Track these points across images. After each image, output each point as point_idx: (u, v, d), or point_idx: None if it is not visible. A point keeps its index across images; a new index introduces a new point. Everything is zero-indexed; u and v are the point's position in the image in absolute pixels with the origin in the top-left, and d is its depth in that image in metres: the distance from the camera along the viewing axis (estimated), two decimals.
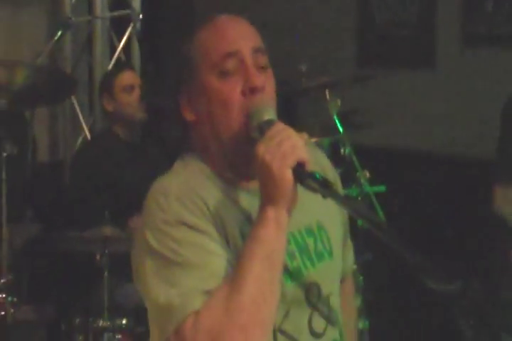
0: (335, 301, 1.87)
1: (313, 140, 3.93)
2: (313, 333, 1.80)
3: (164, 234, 1.66)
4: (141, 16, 5.31)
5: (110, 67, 5.11)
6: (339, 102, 4.06)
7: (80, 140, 5.18)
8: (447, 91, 5.30)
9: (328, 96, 4.04)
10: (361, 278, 3.87)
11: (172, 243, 1.65)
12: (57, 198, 4.37)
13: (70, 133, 5.36)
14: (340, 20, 5.73)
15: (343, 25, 5.73)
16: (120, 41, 5.31)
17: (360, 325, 3.77)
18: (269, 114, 1.71)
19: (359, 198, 4.00)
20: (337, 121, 4.04)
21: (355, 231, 3.70)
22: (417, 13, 5.45)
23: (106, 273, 3.52)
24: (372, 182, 4.03)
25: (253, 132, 1.69)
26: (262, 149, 1.61)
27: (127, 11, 5.32)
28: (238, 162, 1.78)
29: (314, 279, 1.81)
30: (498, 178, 3.27)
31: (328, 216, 1.90)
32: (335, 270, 1.91)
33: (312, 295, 1.80)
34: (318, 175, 1.62)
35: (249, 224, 1.71)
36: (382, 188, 4.05)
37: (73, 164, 4.33)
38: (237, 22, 1.81)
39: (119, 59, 5.28)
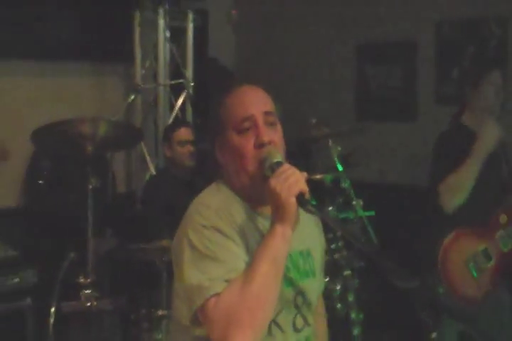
0: (312, 309, 1.92)
1: (319, 176, 3.99)
2: (295, 329, 1.86)
3: (202, 234, 1.72)
4: (192, 84, 5.38)
5: (170, 122, 5.14)
6: (339, 148, 4.10)
7: (147, 175, 5.21)
8: (424, 138, 5.30)
9: (330, 144, 4.08)
10: (357, 281, 3.85)
11: (206, 241, 1.71)
12: (130, 219, 4.42)
13: (140, 170, 5.40)
14: (342, 84, 5.80)
15: (344, 88, 5.79)
16: (177, 102, 5.35)
17: (355, 316, 3.75)
18: (278, 157, 1.77)
19: (355, 220, 3.97)
20: (337, 162, 4.06)
21: (351, 243, 3.79)
22: (402, 79, 5.50)
23: (164, 275, 3.56)
24: (364, 208, 4.02)
25: (266, 171, 1.75)
26: (273, 182, 1.68)
27: (182, 80, 5.37)
28: (255, 194, 1.82)
29: (302, 289, 1.86)
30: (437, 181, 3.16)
31: (315, 247, 1.97)
32: (316, 286, 1.95)
33: (298, 301, 1.85)
34: (314, 202, 1.70)
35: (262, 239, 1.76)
36: (372, 213, 4.05)
37: (143, 194, 4.37)
38: (253, 91, 1.86)
39: (176, 116, 5.32)
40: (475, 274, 3.13)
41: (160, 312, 3.60)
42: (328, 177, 4.02)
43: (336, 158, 4.08)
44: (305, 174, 1.72)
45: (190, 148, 4.17)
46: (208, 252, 1.70)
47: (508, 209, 3.25)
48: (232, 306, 1.63)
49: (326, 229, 3.63)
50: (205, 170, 4.06)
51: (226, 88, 1.92)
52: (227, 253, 1.71)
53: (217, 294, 1.65)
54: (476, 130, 3.18)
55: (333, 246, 3.82)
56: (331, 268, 3.80)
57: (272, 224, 1.70)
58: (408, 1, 5.40)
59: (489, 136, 3.10)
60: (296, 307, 1.85)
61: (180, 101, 5.35)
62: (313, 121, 4.13)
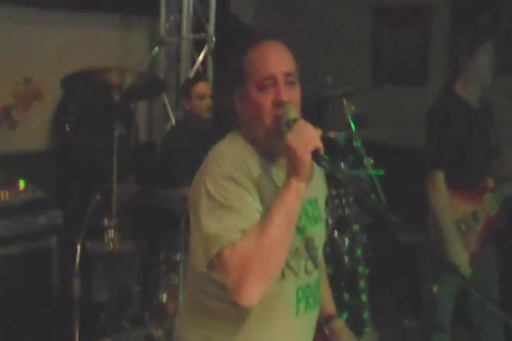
0: (320, 253, 1.98)
1: (333, 134, 3.98)
2: (306, 272, 1.90)
3: (218, 184, 1.73)
4: (214, 39, 5.35)
5: (191, 75, 5.13)
6: (353, 107, 4.10)
7: (168, 126, 5.24)
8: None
9: (345, 103, 4.08)
10: (365, 236, 3.89)
11: (223, 191, 1.72)
12: (151, 167, 4.47)
13: (162, 121, 5.42)
14: (358, 46, 5.78)
15: (360, 50, 5.77)
16: (199, 56, 5.34)
17: (361, 270, 3.77)
18: (294, 114, 1.77)
19: (364, 178, 3.98)
20: (351, 121, 4.07)
21: (360, 201, 3.85)
22: (416, 43, 5.47)
23: (183, 222, 3.60)
24: (374, 166, 4.03)
25: (282, 127, 1.76)
26: (290, 139, 1.70)
27: (204, 34, 5.36)
28: (270, 147, 1.84)
29: (311, 235, 1.90)
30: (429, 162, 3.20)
31: (320, 195, 2.01)
32: (322, 231, 2.00)
33: (309, 246, 1.89)
34: (328, 157, 1.72)
35: (276, 189, 1.78)
36: (381, 172, 4.05)
37: (163, 143, 4.39)
38: (277, 49, 1.84)
39: (197, 70, 5.31)
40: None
41: (178, 257, 3.67)
42: (341, 136, 4.03)
43: (349, 117, 4.08)
44: (320, 131, 1.73)
45: (208, 101, 4.19)
46: (224, 201, 1.71)
47: (495, 173, 3.30)
48: (247, 255, 1.65)
49: (337, 184, 3.74)
50: (222, 122, 4.10)
51: (249, 40, 1.90)
52: (242, 202, 1.73)
53: (233, 242, 1.67)
54: (469, 99, 3.22)
55: (343, 201, 3.86)
56: (341, 223, 3.85)
57: (287, 178, 1.72)
58: None
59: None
60: (307, 251, 1.89)
61: (201, 55, 5.35)
62: (329, 79, 4.12)
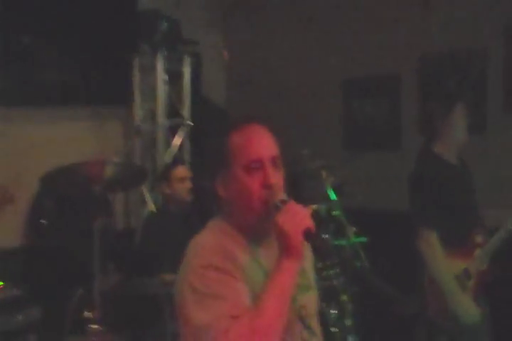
0: (315, 320, 1.92)
1: (314, 207, 3.92)
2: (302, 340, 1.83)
3: (202, 276, 1.68)
4: (191, 123, 5.34)
5: (168, 160, 5.10)
6: (333, 178, 4.12)
7: (145, 212, 5.14)
8: (407, 166, 5.28)
9: (324, 175, 4.09)
10: (350, 305, 3.73)
11: (207, 281, 1.67)
12: (132, 255, 4.34)
13: (139, 207, 5.35)
14: (330, 117, 5.78)
15: (332, 120, 5.77)
16: (175, 141, 5.31)
17: (352, 340, 3.64)
18: (282, 196, 1.75)
19: (347, 247, 3.94)
20: (332, 191, 4.08)
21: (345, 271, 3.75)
22: (386, 111, 5.50)
23: (167, 309, 3.45)
24: (357, 235, 4.00)
25: (271, 208, 1.72)
26: (281, 220, 1.66)
27: (180, 119, 5.35)
28: (258, 229, 1.80)
29: (303, 304, 1.84)
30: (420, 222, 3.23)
31: (307, 263, 1.95)
32: (314, 298, 1.94)
33: (302, 315, 1.83)
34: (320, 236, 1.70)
35: (264, 272, 1.74)
36: (364, 239, 4.03)
37: (143, 229, 4.30)
38: (261, 133, 1.83)
39: (175, 154, 5.28)
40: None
41: None
42: (323, 208, 4.00)
43: (329, 188, 4.08)
44: (310, 210, 1.70)
45: (188, 184, 4.15)
46: (210, 291, 1.67)
47: (483, 228, 3.31)
48: (243, 339, 1.60)
49: (323, 256, 3.62)
50: (203, 206, 3.99)
51: (232, 123, 1.89)
52: (229, 289, 1.68)
53: (226, 329, 1.61)
54: (449, 158, 3.30)
55: (331, 272, 3.74)
56: (328, 294, 3.72)
57: (280, 259, 1.68)
58: (391, 35, 5.40)
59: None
60: (301, 320, 1.84)
61: (178, 140, 5.33)
62: (305, 152, 4.14)
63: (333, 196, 4.09)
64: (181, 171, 4.19)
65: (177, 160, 4.98)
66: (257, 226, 1.79)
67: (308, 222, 1.67)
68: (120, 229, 5.27)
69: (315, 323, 1.91)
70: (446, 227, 3.15)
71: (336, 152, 5.59)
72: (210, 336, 1.62)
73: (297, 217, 1.67)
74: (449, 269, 3.16)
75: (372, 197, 5.26)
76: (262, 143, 1.81)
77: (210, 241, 1.77)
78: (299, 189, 5.06)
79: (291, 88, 6.01)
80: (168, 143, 5.34)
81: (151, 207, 5.13)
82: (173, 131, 5.37)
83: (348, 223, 4.01)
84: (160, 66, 5.23)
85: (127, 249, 4.62)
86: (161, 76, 5.24)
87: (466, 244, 3.24)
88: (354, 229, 4.04)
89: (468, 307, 3.11)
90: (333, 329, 3.64)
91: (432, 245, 3.13)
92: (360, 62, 5.54)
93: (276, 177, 1.79)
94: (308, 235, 1.66)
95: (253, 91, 6.26)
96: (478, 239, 3.25)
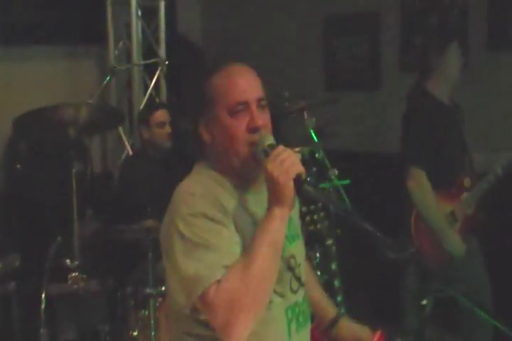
0: (303, 269, 1.88)
1: (297, 149, 3.77)
2: (292, 291, 1.80)
3: (191, 224, 1.62)
4: (166, 63, 5.14)
5: (145, 102, 4.94)
6: (314, 119, 3.99)
7: (123, 155, 5.00)
8: (389, 106, 5.19)
9: (306, 116, 3.96)
10: (334, 249, 3.64)
11: (197, 230, 1.61)
12: (111, 201, 4.24)
13: (116, 150, 5.20)
14: (310, 55, 5.65)
15: (312, 59, 5.64)
16: (151, 82, 5.12)
17: (338, 284, 3.54)
18: (271, 140, 1.68)
19: (330, 190, 3.87)
20: (313, 133, 3.95)
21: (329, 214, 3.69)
22: (367, 49, 5.39)
23: (150, 254, 3.39)
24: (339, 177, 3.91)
25: (259, 154, 1.67)
26: (270, 166, 1.60)
27: (156, 59, 5.14)
28: (246, 175, 1.75)
29: (291, 254, 1.80)
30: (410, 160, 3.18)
31: (294, 211, 1.86)
32: (302, 247, 1.91)
33: (290, 265, 1.80)
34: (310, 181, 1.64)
35: (253, 218, 1.70)
36: (347, 182, 3.94)
37: (120, 174, 4.17)
38: (245, 73, 1.75)
39: (151, 95, 5.10)
40: None
41: (147, 290, 3.43)
42: (305, 150, 3.88)
43: (311, 130, 3.96)
44: (299, 154, 1.65)
45: (168, 129, 4.00)
46: (200, 240, 1.61)
47: (471, 172, 3.28)
48: (235, 291, 1.56)
49: (308, 200, 3.56)
50: (184, 150, 3.86)
51: (213, 63, 1.80)
52: (220, 238, 1.63)
53: (217, 281, 1.58)
54: (441, 97, 3.23)
55: (315, 216, 3.65)
56: (313, 238, 3.65)
57: (270, 206, 1.63)
58: None
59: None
60: (290, 269, 1.80)
61: (154, 80, 5.14)
62: (286, 94, 3.99)
63: (315, 138, 3.98)
64: (160, 115, 4.02)
65: (157, 104, 4.81)
66: (244, 172, 1.73)
67: (299, 168, 1.61)
68: (97, 173, 5.12)
69: (303, 272, 1.88)
70: (434, 168, 3.12)
71: (316, 92, 5.44)
72: (202, 286, 1.57)
73: (287, 163, 1.60)
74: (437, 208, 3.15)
75: (355, 138, 5.22)
76: (246, 84, 1.72)
77: (199, 188, 1.69)
78: (280, 131, 4.96)
79: (270, 25, 5.82)
80: (144, 84, 5.15)
81: (129, 150, 4.99)
82: (149, 71, 5.16)
83: (330, 165, 3.92)
84: (134, 1, 4.97)
85: (106, 194, 4.52)
86: (135, 12, 5.00)
87: (454, 187, 3.22)
88: (336, 171, 3.93)
89: (456, 242, 3.13)
90: (318, 273, 3.63)
91: (421, 184, 3.11)
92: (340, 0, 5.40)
93: (263, 120, 1.71)
94: (298, 181, 1.60)
95: (231, 28, 6.06)
96: (467, 182, 3.23)
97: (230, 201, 1.69)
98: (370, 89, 5.37)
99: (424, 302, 2.77)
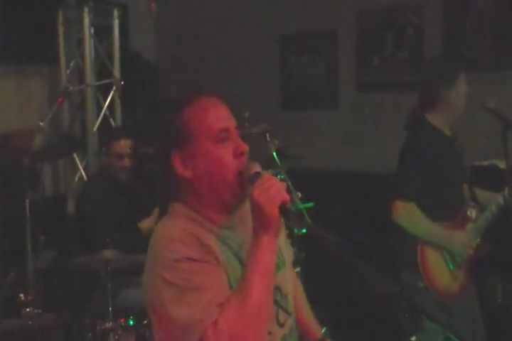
0: (290, 298, 1.84)
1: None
2: (278, 324, 1.77)
3: (176, 268, 1.58)
4: (122, 83, 4.99)
5: (98, 123, 4.80)
6: (277, 142, 3.95)
7: (76, 177, 4.84)
8: (346, 124, 5.26)
9: (268, 138, 3.89)
10: (298, 269, 3.65)
11: (183, 274, 1.57)
12: (68, 229, 4.09)
13: (69, 172, 5.03)
14: (268, 76, 5.60)
15: (271, 79, 5.59)
16: (106, 102, 4.97)
17: None
18: (257, 167, 1.68)
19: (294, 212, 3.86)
20: (275, 156, 3.89)
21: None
22: (324, 68, 5.37)
23: (109, 286, 3.23)
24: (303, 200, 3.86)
25: (246, 182, 1.65)
26: (256, 194, 1.59)
27: (111, 80, 5.00)
28: (230, 205, 1.71)
29: (278, 284, 1.75)
30: (399, 194, 3.05)
31: (281, 240, 1.83)
32: (289, 276, 1.87)
33: (277, 296, 1.76)
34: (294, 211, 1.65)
35: (235, 254, 1.68)
36: (310, 204, 3.90)
37: (80, 201, 3.91)
38: (218, 103, 1.74)
39: (105, 116, 4.94)
40: (452, 267, 3.09)
41: (107, 324, 3.26)
42: (270, 173, 3.71)
43: (274, 152, 3.91)
44: (285, 183, 1.63)
45: (127, 162, 3.78)
46: (189, 283, 1.57)
47: (475, 203, 3.21)
48: (234, 329, 1.53)
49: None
50: (146, 173, 3.71)
51: (183, 97, 1.76)
52: (209, 277, 1.60)
53: (214, 321, 1.53)
54: (442, 128, 3.14)
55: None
56: None
57: (257, 235, 1.62)
58: None
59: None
60: (276, 303, 1.76)
61: (108, 101, 5.01)
62: (246, 114, 3.92)
63: (277, 160, 3.92)
64: (122, 146, 3.78)
65: (120, 133, 4.48)
66: (231, 202, 1.71)
67: (284, 196, 1.60)
68: (49, 196, 4.91)
69: (291, 301, 1.85)
70: (436, 201, 3.04)
71: (276, 113, 5.44)
72: (198, 331, 1.52)
73: (272, 190, 1.59)
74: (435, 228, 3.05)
75: (316, 158, 5.16)
76: (223, 112, 1.73)
77: (177, 231, 1.65)
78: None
79: (226, 44, 5.77)
80: (98, 104, 5.00)
81: (82, 173, 4.83)
82: (103, 91, 5.02)
83: (293, 188, 3.84)
84: (86, 20, 4.86)
85: (58, 219, 4.38)
86: (88, 30, 4.88)
87: (458, 218, 3.13)
88: (299, 194, 3.88)
89: (463, 241, 3.05)
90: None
91: (413, 213, 3.00)
92: (297, 17, 5.38)
93: (246, 146, 1.71)
94: (283, 210, 1.60)
95: (185, 45, 6.00)
96: (471, 212, 3.14)
97: (211, 239, 1.66)
98: (327, 108, 5.36)
99: (413, 338, 2.69)
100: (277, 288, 1.76)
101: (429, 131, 3.09)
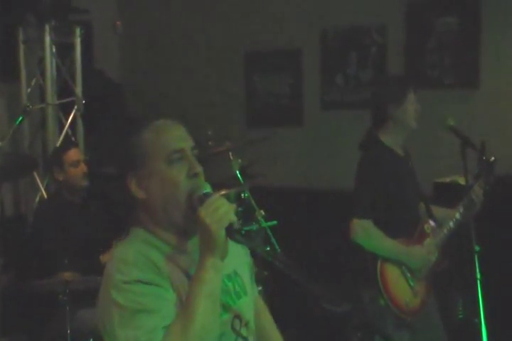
0: (251, 327, 1.81)
1: (224, 192, 3.74)
2: None
3: (126, 290, 1.58)
4: (83, 102, 4.91)
5: (60, 141, 4.71)
6: (240, 160, 3.95)
7: (37, 197, 4.72)
8: (311, 142, 5.28)
9: (231, 157, 3.91)
10: (260, 288, 3.60)
11: (133, 296, 1.57)
12: (23, 249, 3.97)
13: (29, 192, 4.92)
14: (232, 93, 5.62)
15: (235, 97, 5.61)
16: (67, 122, 4.87)
17: None
18: (207, 188, 1.67)
19: (257, 231, 3.80)
20: (239, 175, 3.90)
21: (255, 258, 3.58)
22: (288, 86, 5.41)
23: (67, 308, 3.17)
24: (266, 218, 3.85)
25: (195, 202, 1.64)
26: (203, 214, 1.59)
27: (73, 98, 4.91)
28: (183, 227, 1.69)
29: (237, 312, 1.75)
30: (355, 213, 3.04)
31: (240, 264, 1.86)
32: (250, 303, 1.85)
33: (236, 325, 1.74)
34: (243, 232, 1.62)
35: (187, 277, 1.66)
36: (274, 223, 3.90)
37: (35, 221, 3.87)
38: (175, 125, 1.75)
39: (67, 135, 4.87)
40: (412, 283, 3.08)
41: None
42: (231, 193, 3.86)
43: (237, 171, 3.93)
44: (234, 205, 1.63)
45: (83, 167, 3.79)
46: (138, 306, 1.57)
47: (432, 218, 3.21)
48: None
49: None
50: (101, 191, 3.66)
51: (139, 122, 1.78)
52: (159, 300, 1.59)
53: None
54: (394, 147, 3.15)
55: None
56: None
57: (202, 256, 1.61)
58: (292, 9, 5.31)
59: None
60: (235, 331, 1.74)
61: (70, 120, 4.91)
62: (209, 132, 3.99)
63: (240, 178, 3.93)
64: (74, 154, 3.80)
65: (68, 143, 4.57)
66: (183, 224, 1.69)
67: (232, 217, 1.60)
68: (9, 216, 4.83)
69: (252, 329, 1.82)
70: (394, 217, 3.04)
71: (240, 131, 5.44)
72: None
73: (220, 211, 1.59)
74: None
75: (279, 175, 5.17)
76: (179, 134, 1.73)
77: (131, 254, 1.65)
78: (206, 173, 4.84)
79: (191, 62, 5.78)
80: (59, 123, 4.92)
81: (43, 192, 4.71)
82: (64, 110, 4.93)
83: (257, 206, 3.86)
84: (48, 38, 4.78)
85: (18, 241, 4.21)
86: (49, 48, 4.79)
87: (416, 233, 3.13)
88: (263, 212, 3.88)
89: (420, 256, 3.05)
90: None
91: (369, 230, 3.00)
92: (261, 35, 5.41)
93: (200, 167, 1.71)
94: (230, 231, 1.60)
95: (149, 62, 5.98)
96: (428, 228, 3.15)
97: (163, 261, 1.66)
98: (292, 126, 5.38)
99: None
100: (237, 316, 1.75)
101: (381, 150, 3.10)
